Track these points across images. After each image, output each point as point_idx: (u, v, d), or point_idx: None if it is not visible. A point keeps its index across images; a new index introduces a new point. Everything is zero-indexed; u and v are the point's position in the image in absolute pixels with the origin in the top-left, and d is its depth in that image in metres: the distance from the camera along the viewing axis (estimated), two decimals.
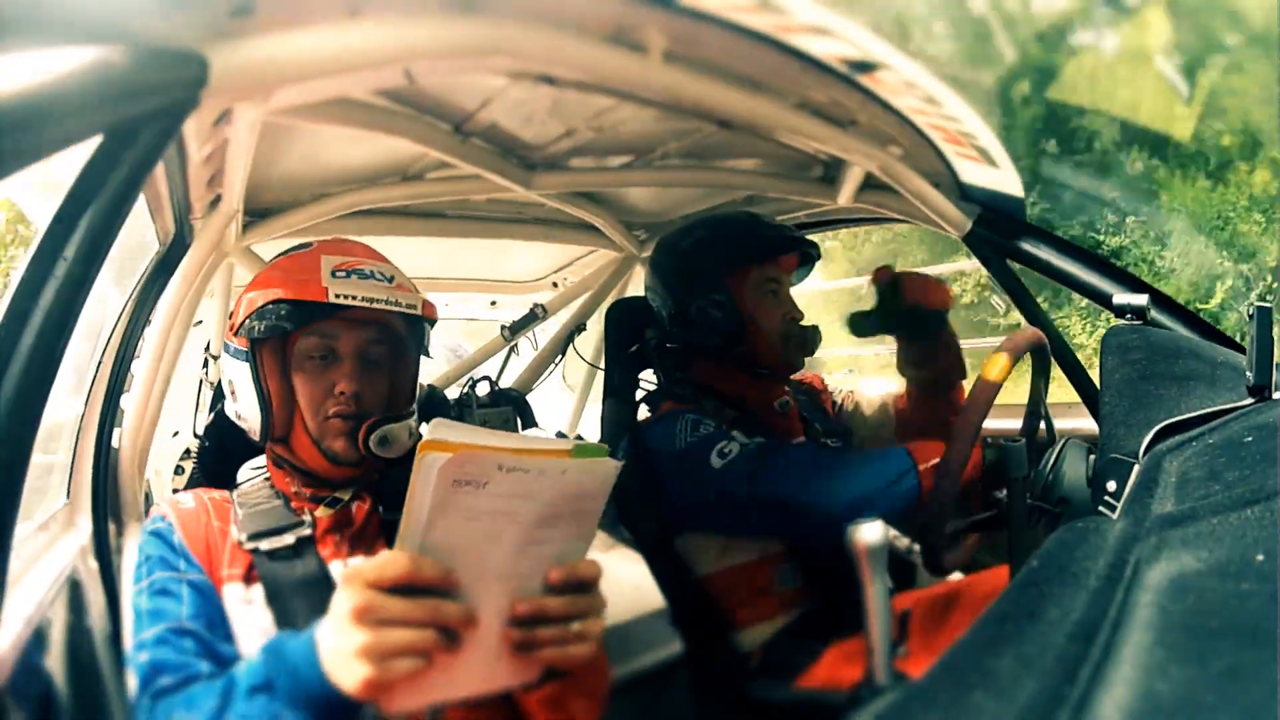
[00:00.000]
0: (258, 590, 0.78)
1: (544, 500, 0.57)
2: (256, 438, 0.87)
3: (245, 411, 0.86)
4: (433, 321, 0.90)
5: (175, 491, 1.02)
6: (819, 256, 1.26)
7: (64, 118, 0.42)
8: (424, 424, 0.77)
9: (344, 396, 0.83)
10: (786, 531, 1.12)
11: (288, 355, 0.85)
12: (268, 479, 0.88)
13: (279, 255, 0.90)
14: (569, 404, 2.16)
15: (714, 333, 1.19)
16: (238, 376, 0.86)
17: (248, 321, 0.83)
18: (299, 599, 0.78)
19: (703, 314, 1.19)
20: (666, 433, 1.14)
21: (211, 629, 0.74)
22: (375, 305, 0.81)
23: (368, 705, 0.57)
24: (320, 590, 0.79)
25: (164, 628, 0.73)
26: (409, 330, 0.89)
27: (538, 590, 0.60)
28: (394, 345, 0.88)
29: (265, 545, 0.80)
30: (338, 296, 0.80)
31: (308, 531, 0.82)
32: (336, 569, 0.81)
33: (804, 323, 1.22)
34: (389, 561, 0.55)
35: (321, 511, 0.84)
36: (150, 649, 0.71)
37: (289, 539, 0.81)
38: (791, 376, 1.32)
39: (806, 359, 1.24)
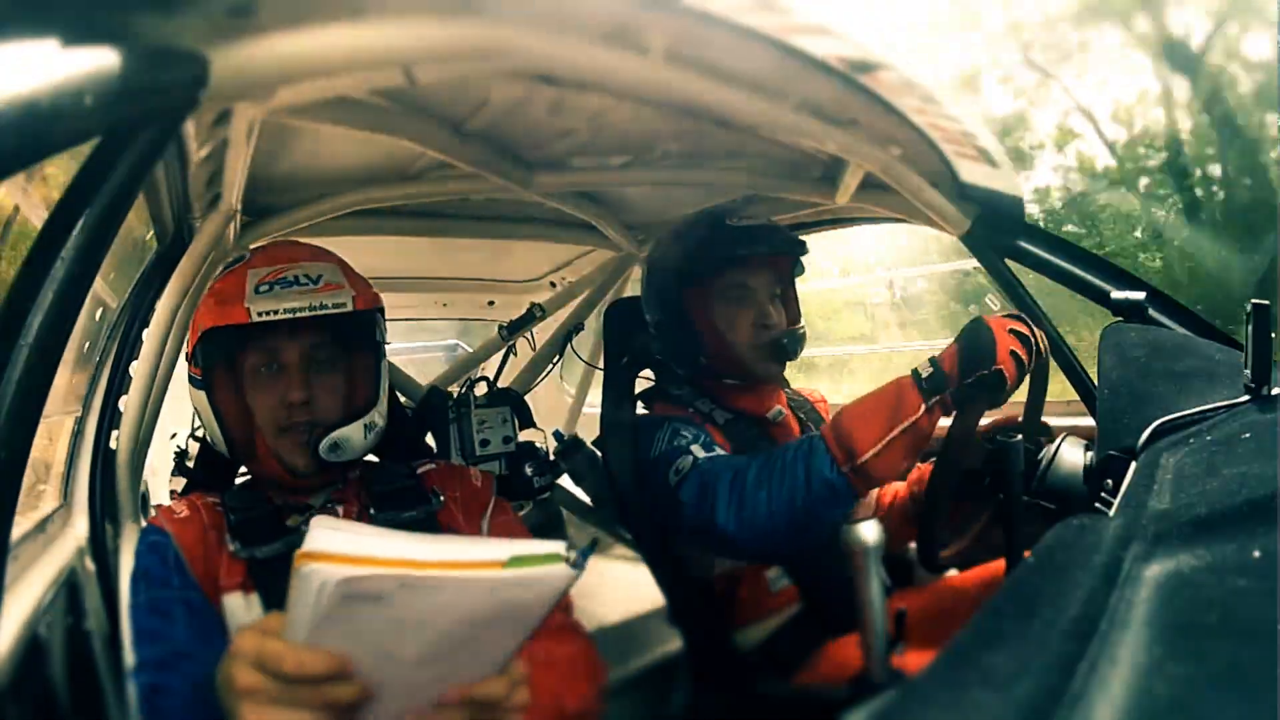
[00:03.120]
0: (255, 599, 0.78)
1: (460, 616, 0.49)
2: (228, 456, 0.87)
3: (211, 436, 0.87)
4: (381, 310, 0.88)
5: (173, 494, 1.02)
6: (804, 251, 1.20)
7: (64, 118, 0.42)
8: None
9: (294, 407, 0.82)
10: (729, 554, 1.08)
11: (239, 375, 0.85)
12: (256, 484, 0.89)
13: (219, 273, 0.89)
14: (567, 403, 2.16)
15: (676, 348, 1.18)
16: (199, 402, 0.86)
17: (196, 350, 0.84)
18: None
19: (663, 329, 1.18)
20: (648, 438, 1.13)
21: (209, 644, 0.73)
22: (299, 315, 0.80)
23: None
24: None
25: (165, 651, 0.73)
26: (358, 325, 0.87)
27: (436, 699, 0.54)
28: (343, 343, 0.86)
29: (259, 553, 0.80)
30: (260, 314, 0.79)
31: (298, 537, 0.81)
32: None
33: (791, 327, 1.17)
34: (276, 655, 0.48)
35: (293, 521, 0.84)
36: (152, 673, 0.71)
37: (280, 546, 0.81)
38: (798, 393, 1.32)
39: (790, 364, 1.19)
